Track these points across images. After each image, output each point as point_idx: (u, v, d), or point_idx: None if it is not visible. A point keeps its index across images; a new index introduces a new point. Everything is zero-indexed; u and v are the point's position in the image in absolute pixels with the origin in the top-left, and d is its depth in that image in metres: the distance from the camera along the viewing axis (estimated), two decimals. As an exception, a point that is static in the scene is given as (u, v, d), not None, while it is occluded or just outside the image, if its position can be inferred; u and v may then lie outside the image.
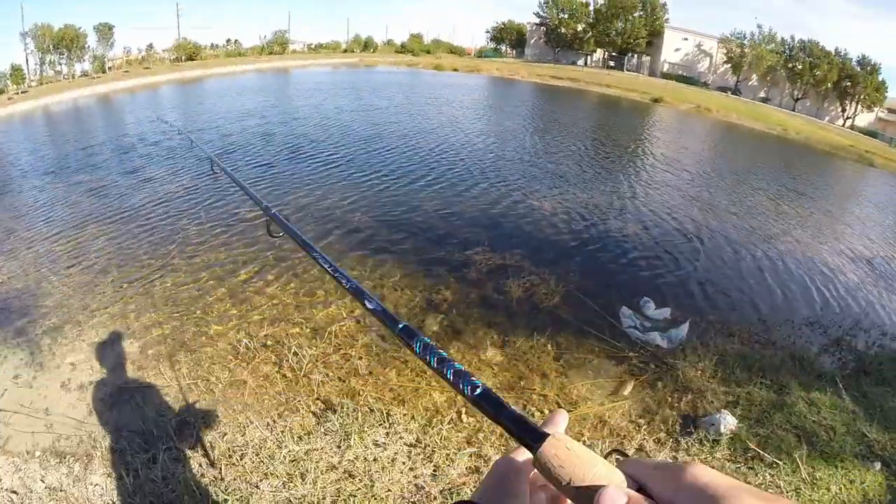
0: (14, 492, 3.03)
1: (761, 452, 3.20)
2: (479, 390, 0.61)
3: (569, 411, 3.70)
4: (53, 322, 4.89)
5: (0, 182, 11.09)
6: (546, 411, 3.65)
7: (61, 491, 3.00)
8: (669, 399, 3.81)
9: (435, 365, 0.69)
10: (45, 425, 3.57)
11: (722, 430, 3.37)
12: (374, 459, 3.00)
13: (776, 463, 3.13)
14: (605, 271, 6.30)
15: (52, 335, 4.66)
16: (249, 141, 13.15)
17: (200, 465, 3.09)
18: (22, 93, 31.22)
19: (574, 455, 0.45)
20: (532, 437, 0.49)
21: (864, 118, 45.13)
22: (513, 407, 0.57)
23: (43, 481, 3.10)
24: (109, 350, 4.35)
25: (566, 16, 54.10)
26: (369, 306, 0.89)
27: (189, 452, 3.17)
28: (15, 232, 7.56)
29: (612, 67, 53.00)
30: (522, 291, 5.42)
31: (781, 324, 5.34)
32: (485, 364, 4.18)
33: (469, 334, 4.66)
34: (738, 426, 3.43)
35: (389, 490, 2.84)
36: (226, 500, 2.82)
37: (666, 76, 48.33)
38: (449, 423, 3.32)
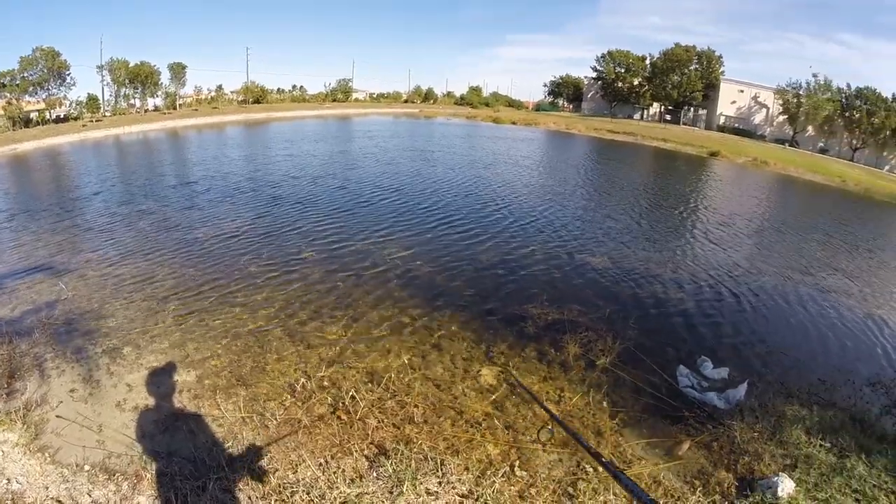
0: (59, 502, 3.08)
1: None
2: None
3: (623, 470, 3.57)
4: (113, 343, 5.10)
5: (71, 204, 11.85)
6: (599, 469, 3.53)
7: (107, 507, 3.02)
8: (726, 461, 3.69)
9: None
10: (97, 441, 3.68)
11: (779, 493, 3.24)
12: (425, 507, 2.94)
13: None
14: (663, 329, 6.12)
15: (111, 355, 4.86)
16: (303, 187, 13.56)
17: (250, 499, 3.11)
18: (96, 121, 33.52)
19: None
20: None
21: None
22: None
23: (90, 496, 3.15)
24: (167, 376, 4.50)
25: (623, 70, 54.16)
26: None
27: (240, 484, 3.21)
28: (83, 252, 8.00)
29: (668, 121, 52.53)
30: (579, 347, 5.35)
31: (842, 384, 5.05)
32: (539, 420, 4.09)
33: (525, 389, 4.57)
34: (795, 490, 3.29)
35: (438, 539, 2.77)
36: (273, 535, 2.79)
37: (722, 129, 47.42)
38: (502, 475, 3.25)
